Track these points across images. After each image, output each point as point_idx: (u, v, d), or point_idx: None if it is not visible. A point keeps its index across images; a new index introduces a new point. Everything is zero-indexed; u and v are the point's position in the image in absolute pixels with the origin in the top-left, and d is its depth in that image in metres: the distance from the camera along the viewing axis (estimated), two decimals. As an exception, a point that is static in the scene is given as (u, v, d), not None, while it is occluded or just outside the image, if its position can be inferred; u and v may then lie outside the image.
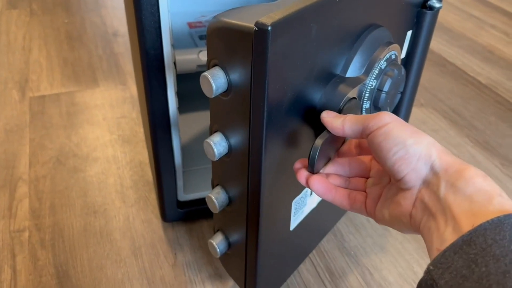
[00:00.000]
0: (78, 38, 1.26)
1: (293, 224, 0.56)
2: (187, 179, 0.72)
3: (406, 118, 0.70)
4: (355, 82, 0.46)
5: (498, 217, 0.28)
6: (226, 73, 0.41)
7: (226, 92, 0.42)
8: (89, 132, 0.91)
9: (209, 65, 0.43)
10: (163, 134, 0.62)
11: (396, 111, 0.68)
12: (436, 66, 1.20)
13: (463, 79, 1.14)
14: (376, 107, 0.49)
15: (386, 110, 0.50)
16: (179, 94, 0.60)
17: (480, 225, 0.28)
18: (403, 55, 0.64)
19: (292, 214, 0.54)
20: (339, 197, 0.41)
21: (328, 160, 0.44)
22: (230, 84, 0.41)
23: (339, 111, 0.44)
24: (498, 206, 0.29)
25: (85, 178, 0.80)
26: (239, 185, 0.47)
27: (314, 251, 0.69)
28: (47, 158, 0.84)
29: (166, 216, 0.70)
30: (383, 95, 0.48)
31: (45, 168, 0.82)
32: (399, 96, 0.53)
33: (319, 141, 0.40)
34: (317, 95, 0.45)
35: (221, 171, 0.49)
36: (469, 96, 1.08)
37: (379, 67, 0.48)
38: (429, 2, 0.59)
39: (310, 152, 0.40)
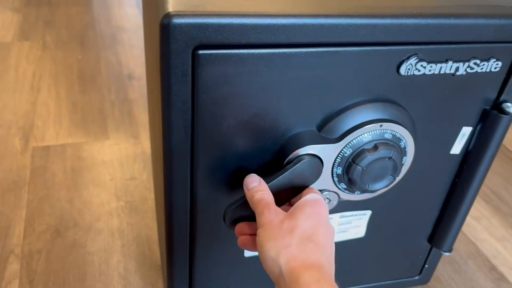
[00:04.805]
0: (91, 79, 1.19)
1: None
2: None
3: (464, 216, 0.61)
4: (322, 140, 0.45)
5: None
6: None
7: None
8: (93, 196, 0.82)
9: None
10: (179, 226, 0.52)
11: (456, 206, 0.59)
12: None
13: (504, 155, 1.05)
14: (350, 179, 0.46)
15: (364, 186, 0.47)
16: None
17: None
18: (457, 151, 0.56)
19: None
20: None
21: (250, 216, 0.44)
22: None
23: (296, 160, 0.43)
24: None
25: (84, 256, 0.71)
26: None
27: None
28: (44, 227, 0.75)
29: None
30: (358, 168, 0.45)
31: (41, 240, 0.73)
32: (391, 179, 0.48)
33: (229, 208, 0.42)
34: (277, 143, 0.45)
35: None
36: (511, 175, 0.99)
37: (358, 138, 0.44)
38: (502, 105, 0.51)
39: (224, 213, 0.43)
